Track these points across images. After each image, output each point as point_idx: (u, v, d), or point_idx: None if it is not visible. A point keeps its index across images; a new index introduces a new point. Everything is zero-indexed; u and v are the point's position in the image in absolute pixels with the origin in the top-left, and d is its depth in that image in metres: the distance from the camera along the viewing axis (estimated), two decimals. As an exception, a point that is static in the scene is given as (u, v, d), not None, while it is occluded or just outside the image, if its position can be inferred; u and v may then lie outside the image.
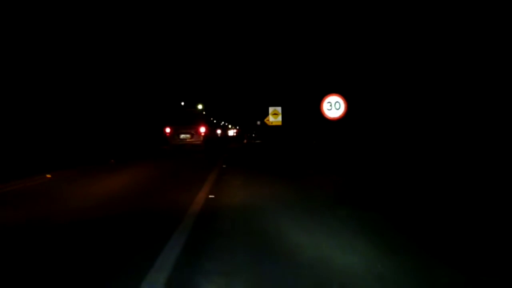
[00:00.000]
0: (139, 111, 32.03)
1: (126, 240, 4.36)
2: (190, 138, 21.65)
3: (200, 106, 54.03)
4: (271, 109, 25.00)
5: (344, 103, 10.89)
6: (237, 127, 72.31)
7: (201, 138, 21.89)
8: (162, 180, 9.56)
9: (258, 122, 42.31)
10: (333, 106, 10.92)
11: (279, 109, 25.03)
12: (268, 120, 25.45)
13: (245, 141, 39.87)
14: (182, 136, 21.61)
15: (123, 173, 11.07)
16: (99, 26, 23.62)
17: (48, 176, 10.12)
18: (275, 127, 25.53)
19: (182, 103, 49.59)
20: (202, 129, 22.08)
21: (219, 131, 38.18)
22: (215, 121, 50.95)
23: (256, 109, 43.35)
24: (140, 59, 29.44)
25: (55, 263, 3.71)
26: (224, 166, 11.89)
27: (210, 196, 6.71)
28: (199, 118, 22.98)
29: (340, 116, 10.97)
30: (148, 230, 4.72)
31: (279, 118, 24.63)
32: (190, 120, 22.19)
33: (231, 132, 61.83)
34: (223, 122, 66.69)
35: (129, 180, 9.50)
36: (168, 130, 22.15)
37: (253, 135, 53.24)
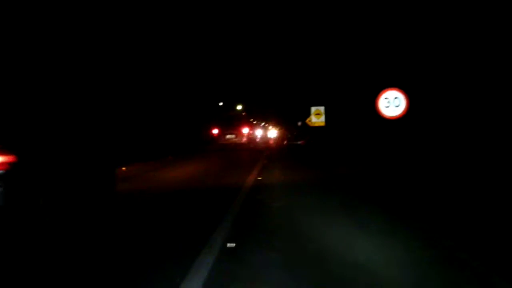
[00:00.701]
0: (184, 114, 33.84)
1: (209, 200, 7.27)
2: (235, 138, 24.90)
3: (239, 107, 54.01)
4: (313, 109, 23.92)
5: (405, 99, 9.42)
6: (278, 128, 71.45)
7: (244, 138, 25.18)
8: (220, 169, 12.79)
9: (299, 123, 41.16)
10: (392, 103, 9.46)
11: (322, 108, 23.90)
12: (310, 121, 24.43)
13: (285, 141, 39.61)
14: (227, 136, 24.92)
15: (185, 165, 14.09)
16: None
17: (123, 168, 12.15)
18: (318, 127, 24.49)
19: (221, 104, 49.09)
20: (245, 130, 25.50)
21: (259, 132, 36.90)
22: (254, 122, 50.27)
23: (298, 109, 42.20)
24: (181, 60, 30.12)
25: (169, 209, 6.59)
26: (265, 161, 14.80)
27: (258, 178, 9.86)
28: (242, 120, 26.24)
29: (400, 114, 9.46)
30: (221, 195, 7.63)
31: (322, 118, 23.55)
32: (234, 122, 25.47)
33: (272, 133, 61.03)
34: (263, 123, 65.81)
35: (193, 170, 12.66)
36: (215, 131, 25.46)
37: (293, 135, 52.16)
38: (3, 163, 5.06)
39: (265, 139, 45.73)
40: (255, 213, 5.90)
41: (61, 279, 3.54)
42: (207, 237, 4.49)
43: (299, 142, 37.09)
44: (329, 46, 29.16)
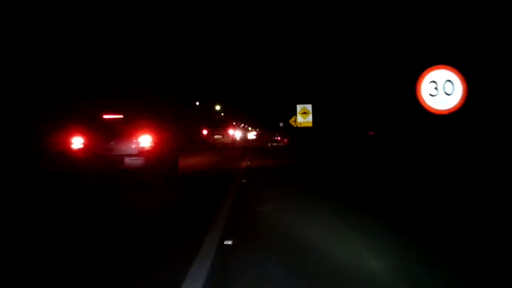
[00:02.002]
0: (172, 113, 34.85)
1: (224, 173, 12.14)
2: (222, 138, 28.35)
3: (218, 107, 52.56)
4: (299, 107, 22.07)
5: (462, 83, 6.10)
6: (257, 130, 69.82)
7: (230, 138, 29.04)
8: (220, 160, 17.43)
9: (281, 124, 40.61)
10: (441, 89, 6.15)
11: (309, 107, 21.97)
12: (294, 121, 22.85)
13: (269, 144, 40.38)
14: (215, 136, 28.25)
15: (192, 158, 16.96)
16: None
17: None
18: (302, 129, 22.67)
19: (197, 103, 48.22)
20: (231, 131, 29.72)
21: (237, 134, 37.10)
22: (234, 123, 48.19)
23: (279, 110, 40.86)
24: (157, 58, 31.31)
25: (204, 177, 11.41)
26: (252, 154, 20.37)
27: (248, 163, 15.06)
28: (228, 123, 30.77)
29: (454, 108, 6.20)
30: (227, 173, 12.05)
31: (309, 117, 21.68)
32: (220, 124, 29.53)
33: (251, 135, 59.95)
34: (242, 125, 63.18)
35: (201, 160, 16.75)
36: (205, 132, 29.18)
37: (275, 137, 52.33)
38: None
39: (244, 140, 46.47)
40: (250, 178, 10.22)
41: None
42: (228, 186, 8.61)
43: (279, 144, 36.82)
44: (312, 39, 29.11)
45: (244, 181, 9.59)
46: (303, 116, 21.57)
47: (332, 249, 4.11)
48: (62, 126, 10.02)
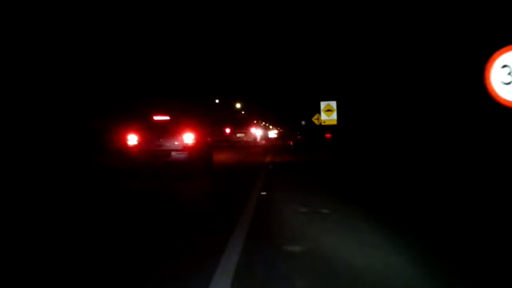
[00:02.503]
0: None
1: (248, 169, 13.35)
2: (244, 137, 29.98)
3: (238, 105, 53.34)
4: (323, 104, 21.09)
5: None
6: (278, 128, 70.61)
7: (252, 136, 30.77)
8: (245, 156, 19.12)
9: (303, 122, 40.04)
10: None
11: (333, 104, 20.99)
12: (317, 119, 22.23)
13: (290, 142, 40.43)
14: (238, 135, 29.88)
15: (221, 154, 18.04)
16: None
17: None
18: (320, 127, 21.98)
19: (217, 101, 48.56)
20: (253, 130, 31.48)
21: (258, 132, 38.19)
22: (255, 122, 49.39)
23: (302, 108, 41.26)
24: (178, 56, 32.00)
25: (236, 169, 13.66)
26: (273, 151, 22.48)
27: (270, 159, 16.85)
28: (249, 121, 32.80)
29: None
30: (254, 167, 13.54)
31: (334, 115, 20.73)
32: (243, 123, 31.32)
33: (272, 133, 60.76)
34: (263, 123, 64.43)
35: (229, 156, 18.39)
36: (228, 130, 30.41)
37: (298, 136, 51.54)
38: None
39: (265, 138, 46.67)
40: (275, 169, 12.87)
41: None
42: (259, 174, 11.00)
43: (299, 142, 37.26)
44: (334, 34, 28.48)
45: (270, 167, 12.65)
46: (327, 114, 20.63)
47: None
48: (119, 126, 11.80)
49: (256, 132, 35.11)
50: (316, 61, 34.69)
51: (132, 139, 10.53)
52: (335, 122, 20.78)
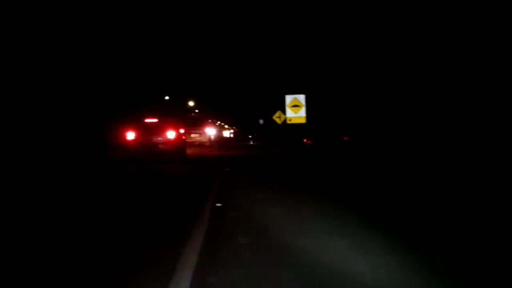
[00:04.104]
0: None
1: (215, 159, 19.13)
2: (199, 137, 29.98)
3: (191, 103, 55.14)
4: (288, 99, 18.72)
5: None
6: (234, 128, 73.75)
7: (207, 136, 30.83)
8: (203, 151, 24.23)
9: (261, 121, 40.61)
10: None
11: (301, 98, 18.68)
12: (279, 117, 21.22)
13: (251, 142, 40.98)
14: (192, 135, 29.24)
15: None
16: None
17: None
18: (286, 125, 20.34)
19: (167, 97, 48.07)
20: (208, 130, 31.34)
21: (211, 131, 38.73)
22: (210, 121, 52.39)
23: (261, 106, 41.97)
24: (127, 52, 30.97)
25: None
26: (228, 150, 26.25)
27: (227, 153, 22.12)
28: (204, 121, 32.05)
29: None
30: (217, 159, 18.80)
31: (302, 111, 18.68)
32: (197, 122, 30.82)
33: (227, 133, 63.08)
34: (218, 122, 68.34)
35: (193, 152, 21.73)
36: (182, 130, 30.63)
37: (251, 135, 51.82)
38: None
39: (220, 138, 47.79)
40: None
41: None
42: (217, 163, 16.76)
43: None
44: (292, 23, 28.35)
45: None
46: (294, 110, 18.74)
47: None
48: (121, 126, 16.64)
49: (211, 131, 35.55)
50: (272, 54, 34.85)
51: (130, 135, 15.49)
52: (303, 120, 18.74)
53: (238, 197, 7.77)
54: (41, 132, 19.00)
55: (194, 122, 30.59)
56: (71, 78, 22.16)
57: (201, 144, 29.60)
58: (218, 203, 6.92)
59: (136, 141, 15.47)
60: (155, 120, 16.00)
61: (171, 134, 15.66)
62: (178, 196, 8.45)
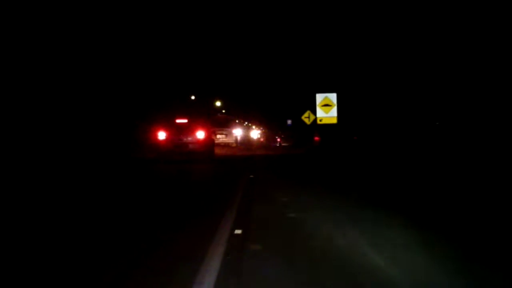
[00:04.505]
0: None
1: (242, 157, 20.25)
2: (225, 138, 30.73)
3: (218, 103, 55.57)
4: (319, 98, 18.08)
5: None
6: (262, 128, 74.15)
7: (234, 137, 31.56)
8: (234, 152, 24.62)
9: (289, 121, 40.11)
10: None
11: (333, 97, 18.03)
12: (308, 118, 20.36)
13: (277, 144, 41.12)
14: (218, 136, 29.57)
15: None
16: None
17: None
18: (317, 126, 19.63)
19: (193, 97, 48.55)
20: (234, 131, 32.38)
21: (238, 132, 37.78)
22: (237, 121, 52.95)
23: (289, 106, 41.76)
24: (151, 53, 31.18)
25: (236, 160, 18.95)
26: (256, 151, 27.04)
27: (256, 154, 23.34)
28: (231, 121, 33.27)
29: None
30: (245, 159, 19.30)
31: (333, 111, 18.00)
32: (224, 123, 31.61)
33: (255, 134, 63.43)
34: (246, 123, 68.92)
35: (221, 152, 22.89)
36: (210, 131, 32.94)
37: (278, 137, 51.46)
38: None
39: (247, 139, 48.21)
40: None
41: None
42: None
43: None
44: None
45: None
46: (325, 110, 18.02)
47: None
48: (153, 127, 17.43)
49: (237, 132, 35.53)
50: (302, 52, 34.77)
51: (162, 135, 16.29)
52: (335, 121, 18.01)
53: (264, 188, 9.31)
54: (81, 134, 20.12)
55: (221, 123, 31.00)
56: (102, 79, 23.22)
57: (227, 145, 30.00)
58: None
59: (167, 141, 16.22)
60: (185, 120, 16.68)
61: (200, 135, 16.37)
62: (214, 187, 9.94)
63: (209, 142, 17.15)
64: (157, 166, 15.45)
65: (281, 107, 45.38)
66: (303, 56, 34.23)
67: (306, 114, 20.44)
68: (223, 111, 54.59)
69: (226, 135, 30.84)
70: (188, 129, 16.44)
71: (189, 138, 16.34)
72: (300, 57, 35.13)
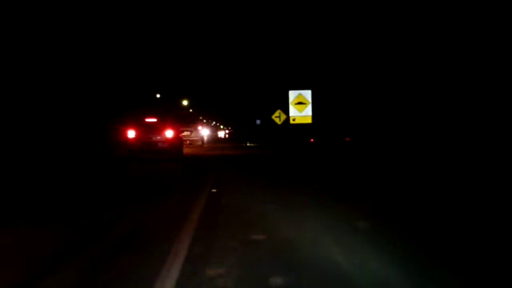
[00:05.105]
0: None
1: (213, 155, 22.54)
2: (190, 135, 31.38)
3: (185, 102, 56.04)
4: (292, 95, 17.24)
5: None
6: (229, 128, 74.68)
7: (199, 135, 32.61)
8: (199, 150, 26.49)
9: (258, 121, 39.60)
10: None
11: (307, 94, 17.08)
12: (278, 117, 19.91)
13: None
14: (184, 133, 29.25)
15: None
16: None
17: None
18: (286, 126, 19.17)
19: (158, 95, 48.70)
20: (200, 128, 33.60)
21: (205, 131, 37.46)
22: (204, 121, 53.46)
23: (255, 105, 41.60)
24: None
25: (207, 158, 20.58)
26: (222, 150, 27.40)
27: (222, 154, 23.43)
28: (197, 120, 34.21)
29: None
30: (213, 155, 21.74)
31: (307, 110, 17.11)
32: (188, 120, 32.36)
33: (221, 133, 64.20)
34: (214, 122, 69.63)
35: (190, 151, 24.39)
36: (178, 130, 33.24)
37: (246, 136, 51.74)
38: None
39: (214, 138, 49.34)
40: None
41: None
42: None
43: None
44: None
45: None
46: (298, 108, 17.19)
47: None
48: (123, 126, 18.04)
49: (204, 131, 35.41)
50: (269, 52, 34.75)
51: (131, 134, 17.01)
52: (309, 120, 17.16)
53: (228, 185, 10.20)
54: (50, 133, 20.50)
55: (186, 120, 31.12)
56: (72, 78, 23.60)
57: (192, 143, 30.02)
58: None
59: (136, 140, 17.00)
60: (154, 119, 17.47)
61: (169, 133, 17.19)
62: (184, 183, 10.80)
63: (178, 141, 17.97)
64: (127, 163, 16.03)
65: (251, 106, 45.57)
66: (274, 51, 33.94)
67: (276, 114, 19.80)
68: (190, 110, 54.94)
69: (191, 132, 31.21)
70: (157, 128, 17.20)
71: (158, 137, 17.13)
72: (271, 53, 34.99)
